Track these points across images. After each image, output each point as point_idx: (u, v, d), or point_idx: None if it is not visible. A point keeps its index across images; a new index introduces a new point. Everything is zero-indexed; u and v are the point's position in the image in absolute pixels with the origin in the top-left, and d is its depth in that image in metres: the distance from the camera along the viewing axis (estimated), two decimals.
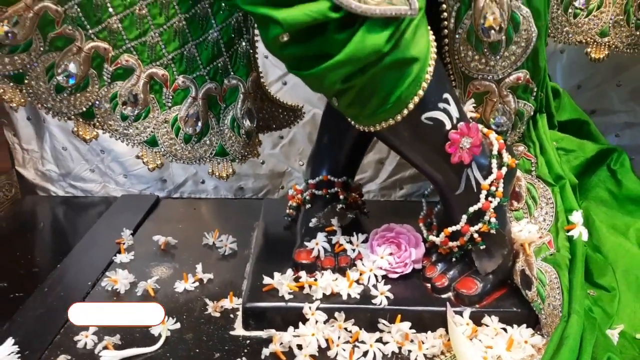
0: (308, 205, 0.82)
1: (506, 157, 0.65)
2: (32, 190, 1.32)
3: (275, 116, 0.95)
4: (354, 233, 0.77)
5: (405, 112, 0.58)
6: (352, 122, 0.63)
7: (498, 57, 0.63)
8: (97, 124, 0.81)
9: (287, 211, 0.86)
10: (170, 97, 0.80)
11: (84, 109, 0.79)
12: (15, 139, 1.30)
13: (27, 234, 1.07)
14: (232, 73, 0.81)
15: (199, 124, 0.81)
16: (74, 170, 1.30)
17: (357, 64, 0.54)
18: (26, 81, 0.74)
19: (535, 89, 0.69)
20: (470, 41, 0.63)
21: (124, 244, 0.92)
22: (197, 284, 0.80)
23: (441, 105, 0.59)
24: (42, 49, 0.73)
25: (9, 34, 0.70)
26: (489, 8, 0.59)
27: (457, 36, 0.63)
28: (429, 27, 0.59)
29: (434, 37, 0.59)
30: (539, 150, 0.73)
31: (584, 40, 0.85)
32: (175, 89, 0.79)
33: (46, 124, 1.27)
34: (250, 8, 0.53)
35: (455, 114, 0.60)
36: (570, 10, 0.82)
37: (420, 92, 0.57)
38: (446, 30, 0.63)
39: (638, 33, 0.84)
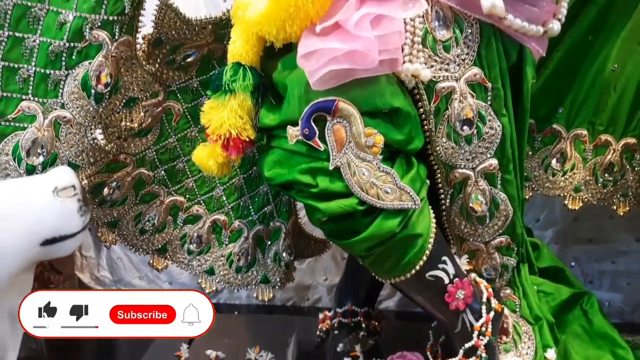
0: (336, 332, 1.00)
1: (494, 303, 0.83)
2: None
3: (308, 247, 1.15)
4: (374, 358, 0.94)
5: (413, 271, 0.77)
6: (373, 274, 0.82)
7: (484, 226, 0.83)
8: (168, 256, 1.01)
9: (318, 333, 1.03)
10: (228, 237, 1.01)
11: (160, 246, 1.00)
12: None
13: None
14: (276, 217, 1.02)
15: (249, 258, 1.01)
16: (125, 277, 1.48)
17: (377, 240, 0.74)
18: (118, 226, 0.96)
19: (516, 248, 0.88)
20: (462, 215, 0.83)
21: (182, 356, 1.09)
22: None
23: (441, 265, 0.78)
24: (133, 202, 0.95)
25: (113, 194, 0.92)
26: (474, 193, 0.80)
27: (452, 211, 0.83)
28: (430, 207, 0.80)
29: (434, 214, 0.79)
30: (522, 294, 0.90)
31: (561, 194, 1.05)
32: (232, 230, 1.00)
33: None
34: (301, 200, 0.75)
35: (452, 271, 0.79)
36: (549, 170, 1.03)
37: (424, 257, 0.77)
38: (444, 207, 0.83)
39: (605, 190, 1.04)
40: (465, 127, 0.76)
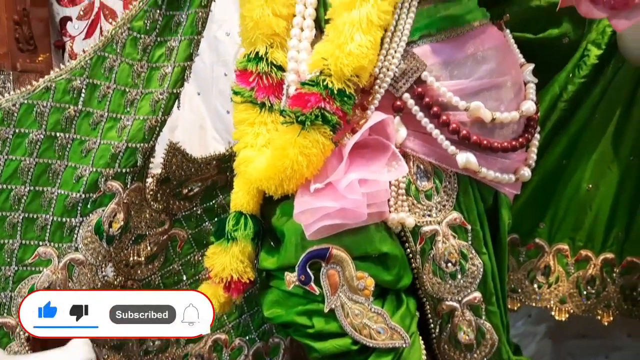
0: None
1: None
2: None
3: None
4: None
5: None
6: None
7: (472, 353, 0.87)
8: None
9: None
10: (228, 355, 1.04)
11: None
12: None
13: None
14: (275, 333, 1.07)
15: None
16: None
17: None
18: (124, 348, 1.00)
19: None
20: (451, 342, 0.88)
21: None
22: None
23: None
24: None
25: None
26: (461, 324, 0.86)
27: (442, 339, 0.88)
28: (421, 336, 0.84)
29: (424, 344, 0.84)
30: None
31: (547, 306, 1.10)
32: (233, 348, 1.04)
33: None
34: (298, 338, 0.80)
35: None
36: (535, 283, 1.09)
37: None
38: (434, 335, 0.88)
39: (588, 302, 1.09)
40: (449, 265, 0.82)
